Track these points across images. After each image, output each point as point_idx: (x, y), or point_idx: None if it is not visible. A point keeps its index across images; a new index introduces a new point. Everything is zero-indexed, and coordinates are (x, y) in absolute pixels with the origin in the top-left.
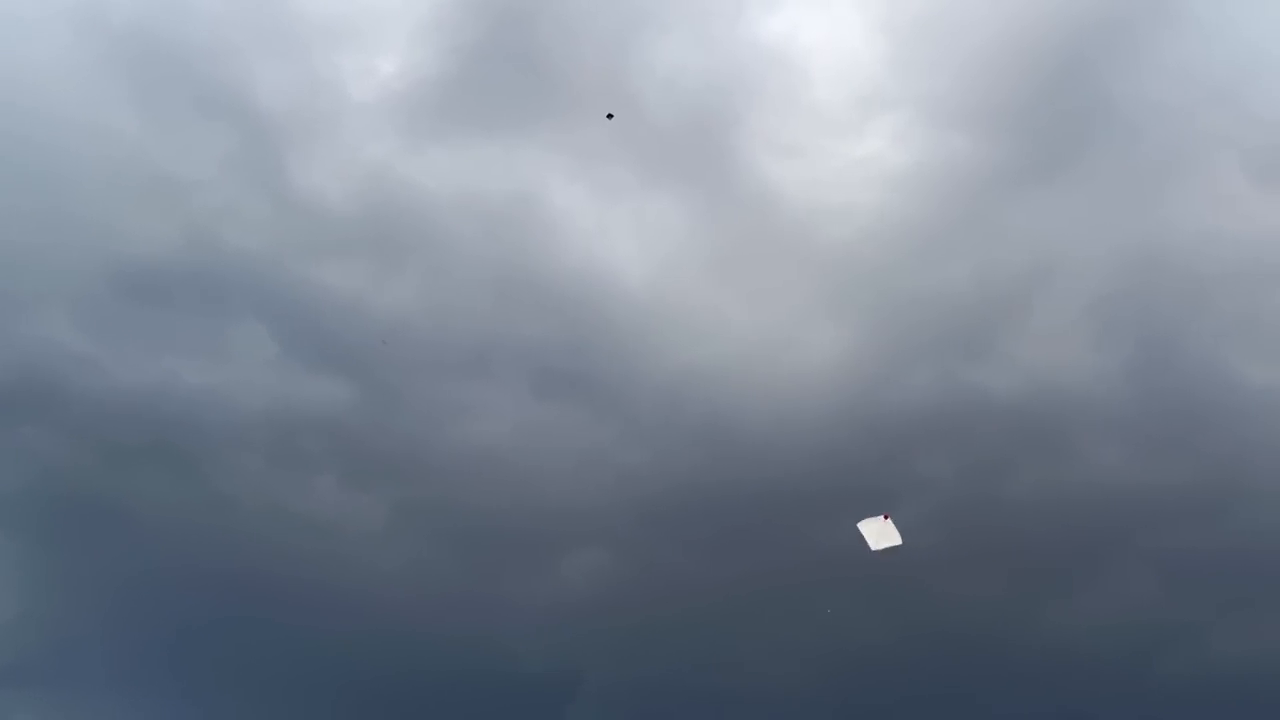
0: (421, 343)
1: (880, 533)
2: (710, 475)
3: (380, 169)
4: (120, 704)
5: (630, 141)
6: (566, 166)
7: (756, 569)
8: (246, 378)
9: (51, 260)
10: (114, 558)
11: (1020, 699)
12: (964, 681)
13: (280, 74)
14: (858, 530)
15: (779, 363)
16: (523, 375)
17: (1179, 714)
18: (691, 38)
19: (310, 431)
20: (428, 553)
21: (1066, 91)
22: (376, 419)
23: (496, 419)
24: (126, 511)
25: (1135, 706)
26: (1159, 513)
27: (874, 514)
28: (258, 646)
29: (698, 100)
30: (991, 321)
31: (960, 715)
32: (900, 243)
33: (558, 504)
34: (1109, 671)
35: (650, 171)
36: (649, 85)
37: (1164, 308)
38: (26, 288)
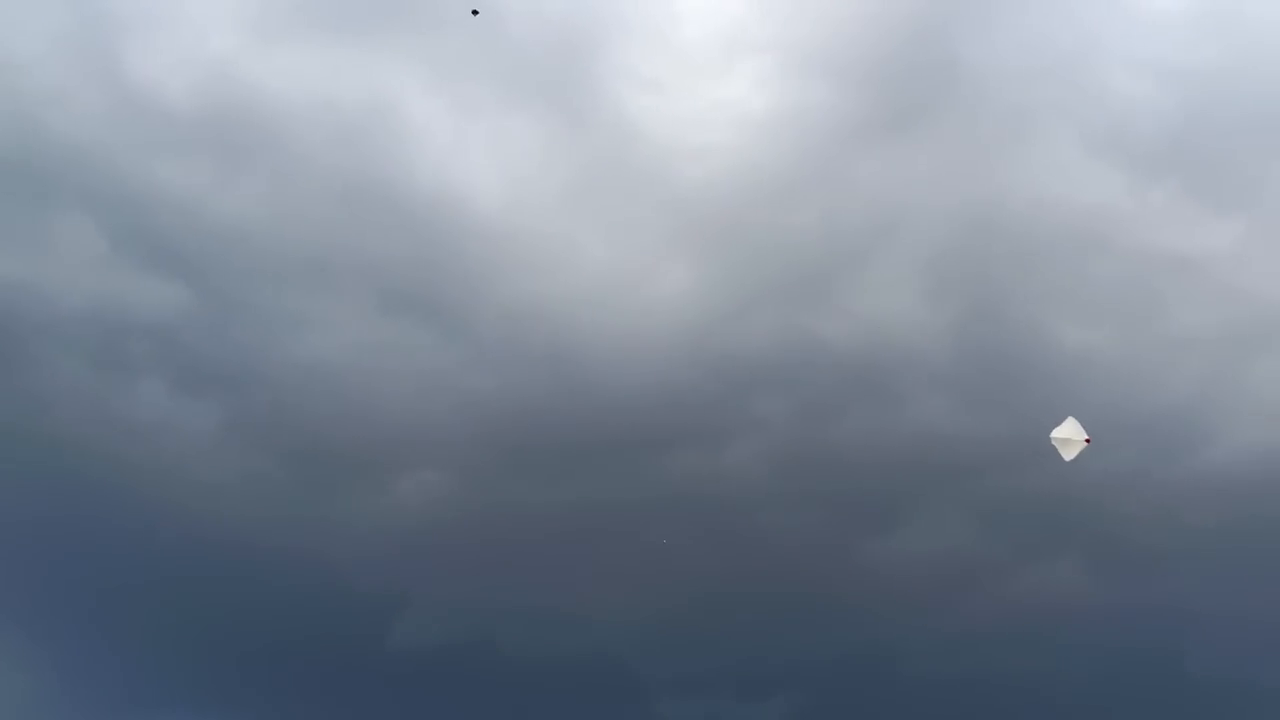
0: (262, 250)
1: (1072, 443)
2: (552, 404)
3: (225, 65)
4: None
5: (491, 60)
6: (424, 78)
7: (593, 498)
8: (71, 274)
9: None
10: None
11: (835, 629)
12: (785, 612)
13: None
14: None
15: (627, 297)
16: (367, 290)
17: (978, 649)
18: None
19: (139, 334)
20: (259, 465)
21: (919, 50)
22: (210, 325)
23: (337, 333)
24: None
25: (938, 642)
26: (974, 461)
27: (710, 451)
28: (74, 552)
29: (562, 25)
30: (832, 270)
31: (778, 642)
32: (754, 187)
33: (396, 423)
34: (917, 606)
35: (510, 92)
36: (514, 2)
37: (994, 268)
38: None
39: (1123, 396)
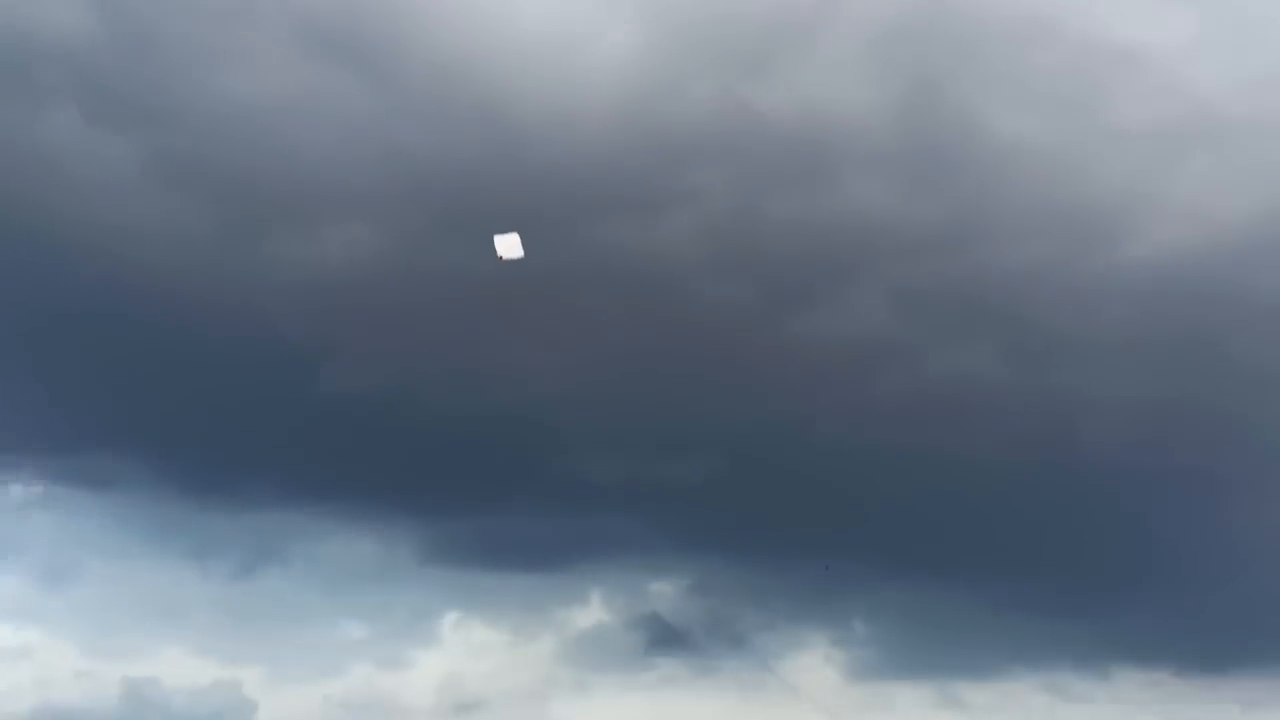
0: None
1: (508, 245)
2: (483, 163)
3: None
4: None
5: None
6: None
7: (522, 262)
8: None
9: None
10: None
11: (755, 396)
12: (707, 377)
13: None
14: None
15: (564, 58)
16: (290, 30)
17: (890, 423)
18: None
19: (48, 61)
20: (180, 208)
21: None
22: (125, 56)
23: (260, 74)
24: None
25: (852, 413)
26: (902, 244)
27: (642, 221)
28: None
29: None
30: (776, 44)
31: (699, 406)
32: None
33: (323, 172)
34: (836, 379)
35: None
36: None
37: (939, 52)
38: None
39: (1051, 187)
